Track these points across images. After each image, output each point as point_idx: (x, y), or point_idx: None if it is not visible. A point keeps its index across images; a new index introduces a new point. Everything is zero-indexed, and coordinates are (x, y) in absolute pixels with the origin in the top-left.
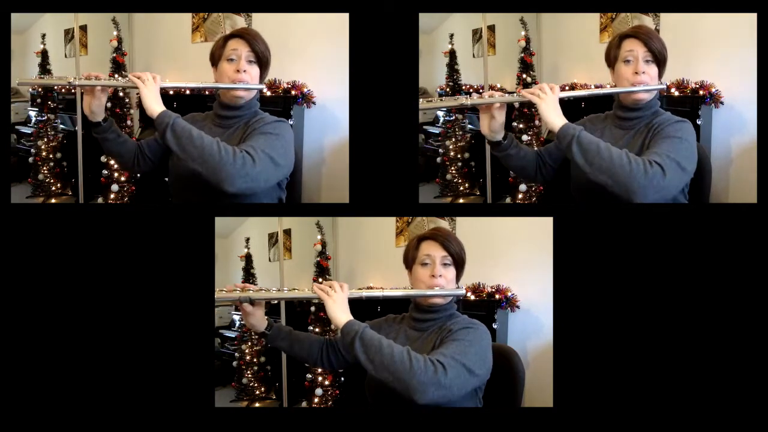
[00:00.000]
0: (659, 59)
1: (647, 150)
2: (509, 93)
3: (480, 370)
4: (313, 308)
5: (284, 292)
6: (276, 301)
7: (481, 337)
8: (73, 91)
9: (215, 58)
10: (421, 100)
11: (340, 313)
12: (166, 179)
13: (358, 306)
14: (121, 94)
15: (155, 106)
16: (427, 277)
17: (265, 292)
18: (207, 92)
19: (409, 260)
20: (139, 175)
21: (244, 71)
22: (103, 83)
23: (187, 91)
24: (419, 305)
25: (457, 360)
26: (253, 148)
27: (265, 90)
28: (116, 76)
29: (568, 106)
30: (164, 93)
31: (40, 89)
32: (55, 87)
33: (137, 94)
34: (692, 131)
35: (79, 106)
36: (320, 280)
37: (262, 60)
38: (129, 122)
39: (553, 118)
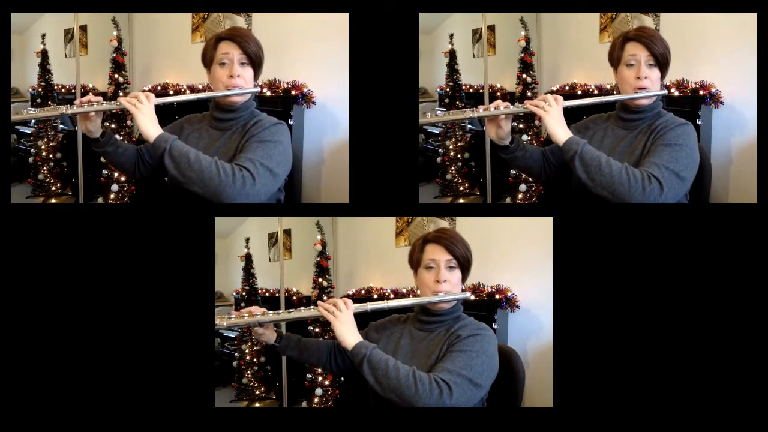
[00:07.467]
0: (662, 63)
1: (647, 156)
2: (509, 94)
3: (486, 381)
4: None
5: (290, 312)
6: (284, 322)
7: (488, 344)
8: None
9: (207, 60)
10: (427, 114)
11: (348, 335)
12: (166, 179)
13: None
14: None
15: (151, 131)
16: (432, 281)
17: (272, 315)
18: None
19: (414, 262)
20: (138, 178)
21: (238, 76)
22: (95, 108)
23: (187, 91)
24: (425, 308)
25: (463, 375)
26: (252, 162)
27: (261, 92)
28: (117, 94)
29: (572, 107)
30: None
31: (39, 89)
32: (49, 118)
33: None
34: (694, 135)
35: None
36: (320, 279)
37: (255, 61)
38: (129, 122)
39: (558, 131)
